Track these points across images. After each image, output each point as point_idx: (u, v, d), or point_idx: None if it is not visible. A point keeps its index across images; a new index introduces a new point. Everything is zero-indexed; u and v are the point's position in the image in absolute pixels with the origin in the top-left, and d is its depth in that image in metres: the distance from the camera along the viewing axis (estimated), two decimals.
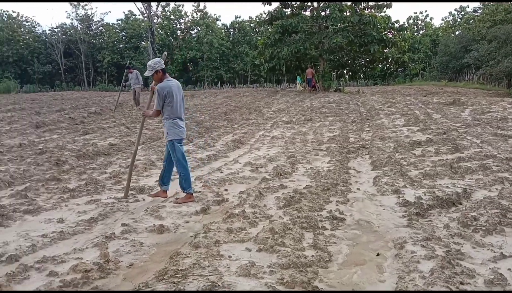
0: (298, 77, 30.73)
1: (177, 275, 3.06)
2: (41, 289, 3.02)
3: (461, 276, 3.10)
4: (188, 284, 2.89)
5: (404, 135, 9.89)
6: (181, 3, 47.65)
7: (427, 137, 9.12)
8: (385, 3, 25.67)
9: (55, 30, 48.24)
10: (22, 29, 47.46)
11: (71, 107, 16.80)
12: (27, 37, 46.95)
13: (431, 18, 58.71)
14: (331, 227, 4.32)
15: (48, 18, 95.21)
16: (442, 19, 65.32)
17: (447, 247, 3.64)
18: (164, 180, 5.47)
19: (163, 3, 33.57)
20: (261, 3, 27.06)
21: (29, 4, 76.86)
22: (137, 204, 5.31)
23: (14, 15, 47.70)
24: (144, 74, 5.27)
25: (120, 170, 7.00)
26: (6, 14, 47.05)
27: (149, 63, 5.23)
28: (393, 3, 25.46)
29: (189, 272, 3.11)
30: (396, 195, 5.34)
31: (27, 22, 49.21)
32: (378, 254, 3.66)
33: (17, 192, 5.60)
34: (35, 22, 50.73)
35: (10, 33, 44.87)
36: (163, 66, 5.22)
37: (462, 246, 3.67)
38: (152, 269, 3.42)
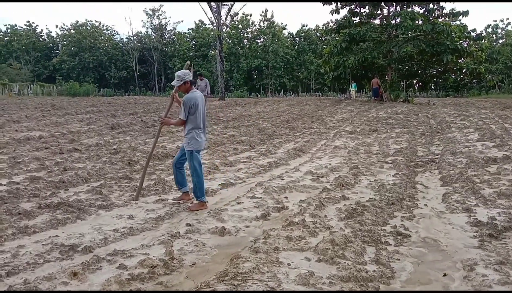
0: (353, 84, 29.78)
1: (237, 278, 3.12)
2: (111, 280, 3.23)
3: None
4: (247, 288, 2.95)
5: (478, 150, 9.29)
6: (249, 12, 48.71)
7: (503, 154, 8.49)
8: (461, 10, 24.39)
9: (132, 38, 51.50)
10: (102, 37, 51.27)
11: (143, 111, 17.78)
12: (106, 44, 50.59)
13: None
14: (395, 242, 4.17)
15: (126, 27, 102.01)
16: None
17: None
18: (181, 183, 5.55)
19: (232, 13, 34.54)
20: (329, 12, 26.99)
21: (110, 14, 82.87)
22: None
23: (97, 24, 51.76)
24: (171, 83, 5.36)
25: (186, 172, 7.28)
26: (90, 23, 51.17)
27: (178, 73, 5.31)
28: (471, 10, 24.13)
29: (248, 276, 3.17)
30: (467, 214, 5.03)
31: (107, 30, 53.11)
32: (445, 275, 3.47)
33: (92, 188, 6.05)
34: (114, 30, 54.78)
35: (92, 41, 48.70)
36: (191, 78, 5.33)
37: None
38: (213, 269, 3.52)
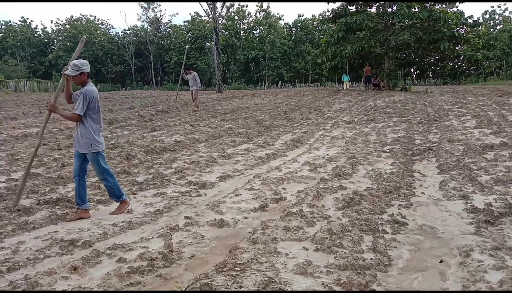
0: (344, 76, 29.70)
1: (236, 269, 3.16)
2: (111, 273, 3.26)
3: None
4: (246, 278, 2.98)
5: (475, 138, 9.32)
6: (245, 4, 48.46)
7: (500, 141, 8.52)
8: None
9: (127, 32, 51.22)
10: (98, 32, 50.97)
11: (141, 105, 17.76)
12: (102, 39, 50.30)
13: (510, 12, 54.26)
14: (392, 231, 4.21)
15: (121, 21, 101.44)
16: None
17: None
18: (83, 198, 4.82)
19: (228, 4, 34.38)
20: (325, 1, 26.85)
21: (105, 8, 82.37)
22: (199, 199, 5.53)
23: (92, 18, 51.44)
24: (65, 72, 4.68)
25: (184, 165, 7.31)
26: (84, 18, 50.85)
27: (75, 62, 4.64)
28: None
29: (247, 266, 3.20)
30: (463, 201, 5.07)
31: (103, 25, 52.80)
32: (441, 261, 3.51)
33: (91, 183, 6.07)
34: (110, 25, 54.53)
35: (88, 35, 48.37)
36: (89, 70, 4.76)
37: None
38: (212, 261, 3.56)
